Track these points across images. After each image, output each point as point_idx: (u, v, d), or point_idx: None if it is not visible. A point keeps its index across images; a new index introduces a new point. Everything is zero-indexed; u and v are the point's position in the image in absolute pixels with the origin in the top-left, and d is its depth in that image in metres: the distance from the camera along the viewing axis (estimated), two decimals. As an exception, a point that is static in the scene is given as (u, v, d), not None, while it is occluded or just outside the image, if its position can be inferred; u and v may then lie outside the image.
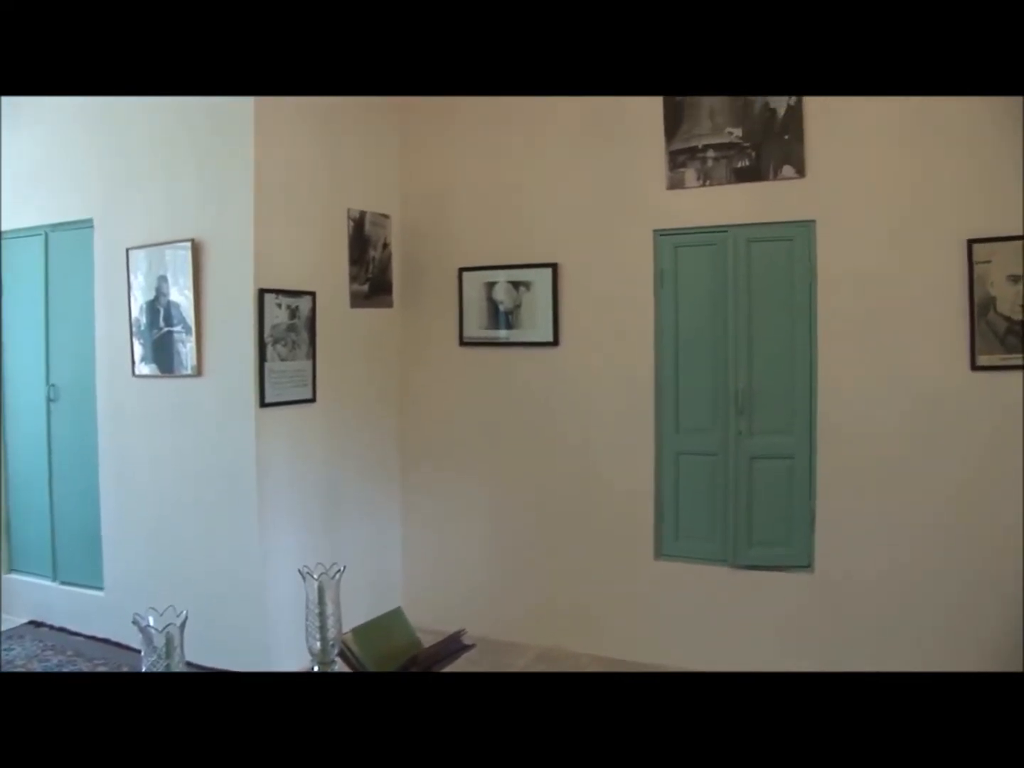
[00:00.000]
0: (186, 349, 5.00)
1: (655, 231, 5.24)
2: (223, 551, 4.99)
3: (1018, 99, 4.45)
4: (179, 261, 4.98)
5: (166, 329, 5.08)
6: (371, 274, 5.65)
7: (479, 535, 5.80)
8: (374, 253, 5.67)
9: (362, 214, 5.55)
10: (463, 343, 5.78)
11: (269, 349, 4.89)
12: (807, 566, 4.98)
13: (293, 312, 5.06)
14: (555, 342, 5.50)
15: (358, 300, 5.57)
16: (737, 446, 5.10)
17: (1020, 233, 4.44)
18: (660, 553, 5.34)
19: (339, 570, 4.32)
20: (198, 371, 4.98)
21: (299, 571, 4.32)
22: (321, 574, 4.47)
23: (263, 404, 4.88)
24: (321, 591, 4.48)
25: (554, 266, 5.47)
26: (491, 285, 5.65)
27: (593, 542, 5.46)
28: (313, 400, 5.24)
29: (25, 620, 5.96)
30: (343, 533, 5.46)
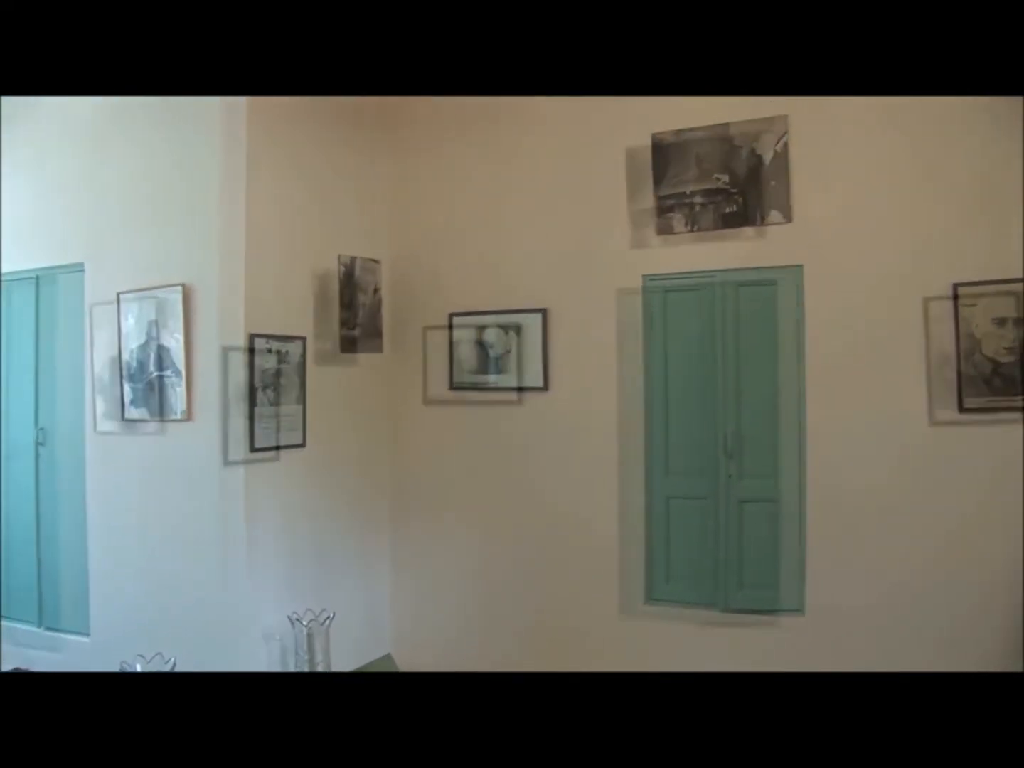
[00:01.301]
0: (176, 393, 5.00)
1: (644, 276, 5.29)
2: (212, 597, 4.94)
3: (1006, 151, 4.54)
4: (170, 305, 4.99)
5: (156, 373, 5.07)
6: (361, 319, 5.67)
7: (468, 580, 5.78)
8: (364, 299, 5.69)
9: (353, 260, 5.58)
10: (453, 388, 5.80)
11: (259, 394, 4.90)
12: (798, 609, 4.97)
13: (283, 357, 5.07)
14: (545, 387, 5.52)
15: (348, 345, 5.58)
16: (727, 490, 5.11)
17: (1004, 277, 4.51)
18: (650, 597, 5.33)
19: (328, 617, 4.31)
20: (188, 415, 4.97)
21: (288, 618, 4.32)
22: (310, 620, 4.46)
23: (253, 449, 4.87)
24: (310, 637, 4.47)
25: (544, 311, 5.50)
26: (481, 330, 5.68)
27: (583, 586, 5.45)
28: (303, 445, 5.23)
29: (9, 668, 5.89)
30: (333, 579, 5.43)
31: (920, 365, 4.71)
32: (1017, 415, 4.52)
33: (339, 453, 5.55)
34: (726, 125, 5.09)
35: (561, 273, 5.51)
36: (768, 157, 5.00)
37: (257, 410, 4.89)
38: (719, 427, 5.13)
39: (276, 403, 5.02)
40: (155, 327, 5.07)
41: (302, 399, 5.21)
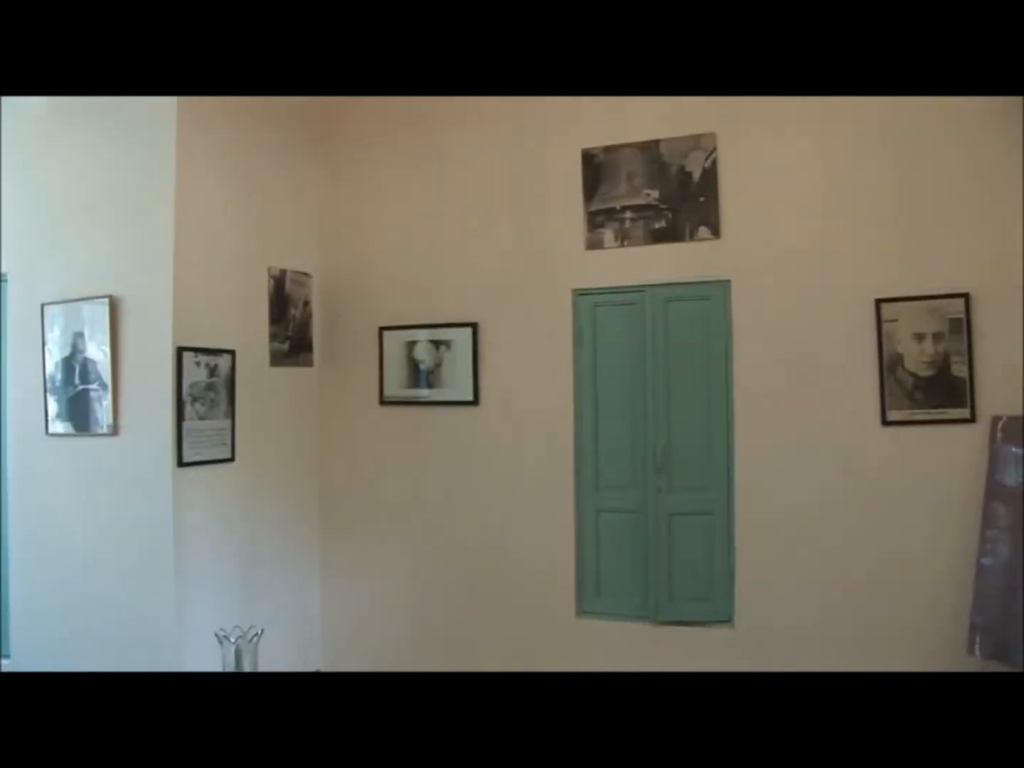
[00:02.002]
0: (102, 407, 4.91)
1: (574, 291, 5.33)
2: (138, 615, 4.86)
3: (927, 170, 4.66)
4: (96, 317, 4.91)
5: (82, 386, 4.99)
6: (291, 332, 5.63)
7: (400, 594, 5.75)
8: (295, 311, 5.66)
9: (283, 272, 5.54)
10: (383, 402, 5.77)
11: (187, 407, 4.83)
12: (728, 620, 5.03)
13: (212, 370, 5.01)
14: (475, 401, 5.52)
15: (278, 359, 5.54)
16: (657, 503, 5.15)
17: (924, 293, 4.62)
18: (581, 610, 5.34)
19: (256, 633, 4.24)
20: (114, 429, 4.89)
21: (216, 635, 4.24)
22: (238, 637, 4.38)
23: (181, 463, 4.81)
24: (238, 654, 4.39)
25: (474, 325, 5.51)
26: (412, 344, 5.67)
27: (515, 599, 5.45)
28: (232, 459, 5.17)
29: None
30: (263, 594, 5.37)
31: (844, 379, 4.81)
32: (939, 427, 4.63)
33: (269, 467, 5.49)
34: (656, 142, 5.15)
35: (492, 287, 5.53)
36: (697, 173, 5.07)
37: (185, 424, 4.82)
38: (649, 441, 5.17)
39: (205, 417, 4.95)
40: (81, 339, 4.99)
41: (231, 413, 5.15)
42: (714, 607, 5.06)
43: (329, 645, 5.92)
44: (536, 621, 5.39)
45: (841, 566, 4.78)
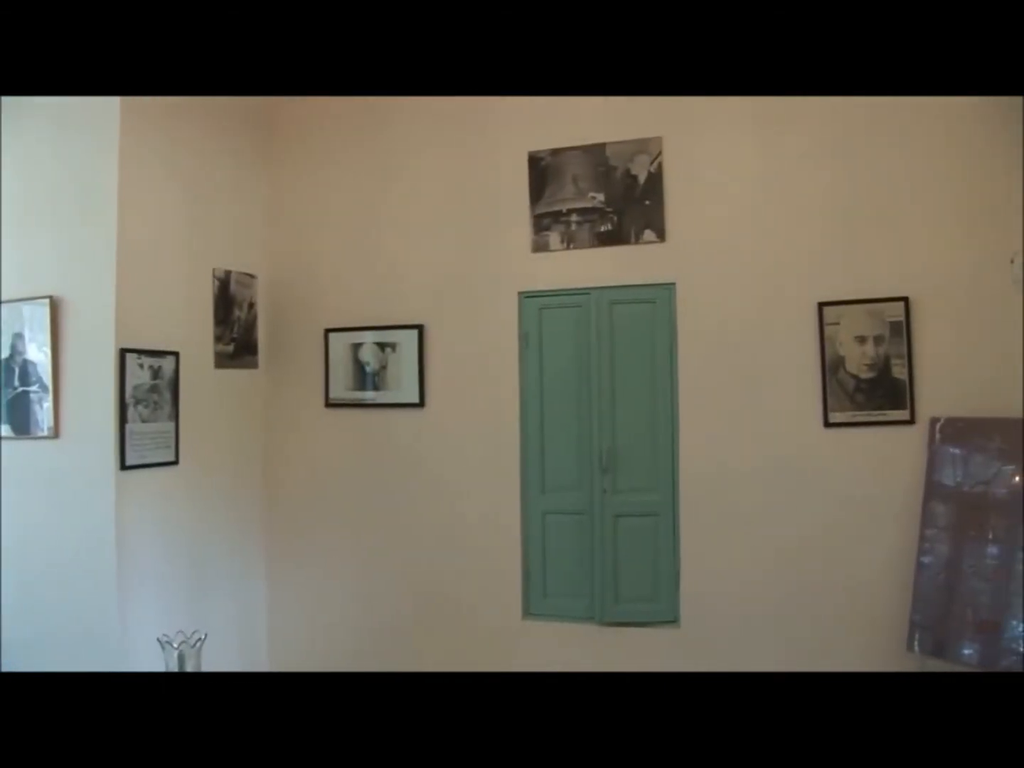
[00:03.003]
0: (43, 409, 4.85)
1: (520, 293, 5.35)
2: (80, 621, 4.79)
3: (868, 176, 4.73)
4: (37, 318, 4.84)
5: (21, 388, 4.91)
6: (236, 334, 5.59)
7: (347, 597, 5.72)
8: (240, 313, 5.62)
9: (228, 273, 5.50)
10: (329, 404, 5.75)
11: (130, 410, 4.78)
12: (673, 621, 5.07)
13: (156, 372, 4.96)
14: (421, 403, 5.52)
15: (223, 361, 5.50)
16: (602, 504, 5.17)
17: (865, 297, 4.70)
18: (528, 612, 5.35)
19: (200, 638, 4.20)
20: (55, 432, 4.82)
21: (158, 640, 4.20)
22: (182, 642, 4.35)
23: (123, 467, 4.75)
24: (181, 660, 4.36)
25: (420, 327, 5.51)
26: (357, 346, 5.65)
27: (462, 601, 5.44)
28: (176, 463, 5.12)
29: None
30: (208, 598, 5.32)
31: (787, 381, 4.87)
32: (879, 429, 4.70)
33: (213, 470, 5.44)
34: (602, 145, 5.18)
35: (438, 289, 5.53)
36: (642, 177, 5.11)
37: (128, 427, 4.77)
38: (594, 443, 5.20)
39: (148, 420, 4.90)
40: (21, 340, 4.92)
41: (175, 415, 5.11)
42: (659, 608, 5.10)
43: (275, 648, 5.88)
44: (483, 623, 5.39)
45: (785, 566, 4.85)
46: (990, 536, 4.27)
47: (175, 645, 4.29)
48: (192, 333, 5.30)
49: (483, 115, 5.41)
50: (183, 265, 5.23)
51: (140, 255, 4.87)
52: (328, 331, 5.74)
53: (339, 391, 5.71)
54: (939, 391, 4.62)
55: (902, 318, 4.67)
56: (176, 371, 5.10)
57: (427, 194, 5.58)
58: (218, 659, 4.94)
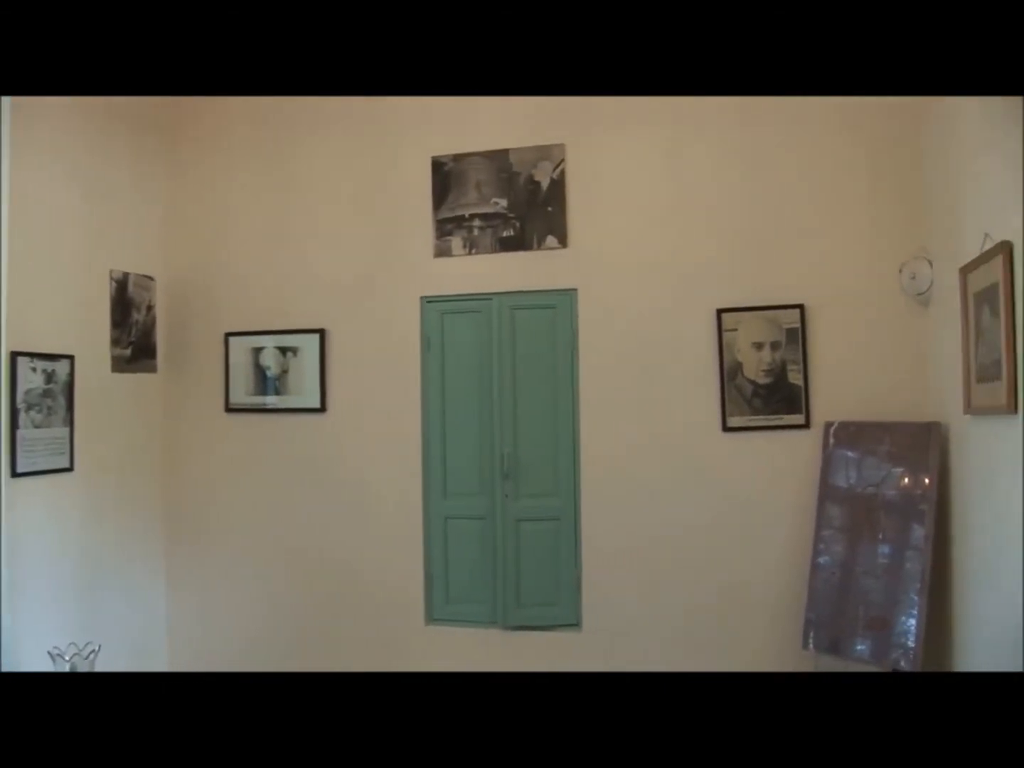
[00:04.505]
0: (-72, 415, 4.71)
1: (422, 298, 5.34)
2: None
3: (765, 185, 4.80)
4: (-79, 322, 4.71)
5: (-98, 394, 4.77)
6: (134, 338, 5.49)
7: (248, 604, 5.65)
8: (137, 316, 5.52)
9: (125, 275, 5.40)
10: (229, 410, 5.68)
11: (22, 415, 4.66)
12: (575, 624, 5.10)
13: (49, 376, 4.85)
14: (323, 408, 5.48)
15: (120, 364, 5.39)
16: (504, 509, 5.19)
17: (762, 304, 4.79)
18: (431, 617, 5.35)
19: (93, 650, 4.10)
20: (-59, 439, 4.69)
21: (49, 653, 4.08)
22: (74, 655, 4.25)
23: (15, 474, 4.62)
24: (74, 671, 4.24)
25: (322, 332, 5.47)
26: (258, 350, 5.59)
27: (364, 607, 5.42)
28: (71, 469, 5.00)
29: None
30: (104, 608, 5.21)
31: (687, 387, 4.94)
32: (776, 433, 4.80)
33: (110, 476, 5.33)
34: (505, 151, 5.20)
35: (340, 294, 5.49)
36: (545, 183, 5.14)
37: (20, 433, 4.64)
38: (496, 448, 5.21)
39: (41, 425, 4.79)
40: (-97, 345, 4.77)
41: (70, 421, 4.99)
42: (561, 611, 5.13)
43: (175, 657, 5.78)
44: (385, 629, 5.37)
45: (684, 568, 4.93)
46: (881, 536, 4.39)
47: (67, 657, 4.20)
48: (88, 336, 5.18)
49: (387, 120, 5.39)
50: (79, 267, 5.11)
51: (33, 256, 4.73)
52: (229, 335, 5.66)
53: (239, 396, 5.64)
54: (833, 396, 4.74)
55: (798, 325, 4.76)
56: (71, 375, 4.99)
57: (330, 198, 5.54)
58: (115, 667, 4.85)
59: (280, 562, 5.59)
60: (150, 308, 5.65)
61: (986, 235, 3.44)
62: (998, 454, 3.47)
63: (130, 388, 5.51)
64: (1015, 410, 3.20)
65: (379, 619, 5.39)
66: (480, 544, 5.26)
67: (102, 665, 4.26)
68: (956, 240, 3.95)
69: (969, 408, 3.77)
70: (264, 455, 5.63)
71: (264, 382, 5.60)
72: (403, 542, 5.35)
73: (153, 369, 5.69)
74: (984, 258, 3.46)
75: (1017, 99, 3.07)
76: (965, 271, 3.73)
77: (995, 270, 3.32)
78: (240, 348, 5.63)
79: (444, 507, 5.32)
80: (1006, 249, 3.22)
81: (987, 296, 3.44)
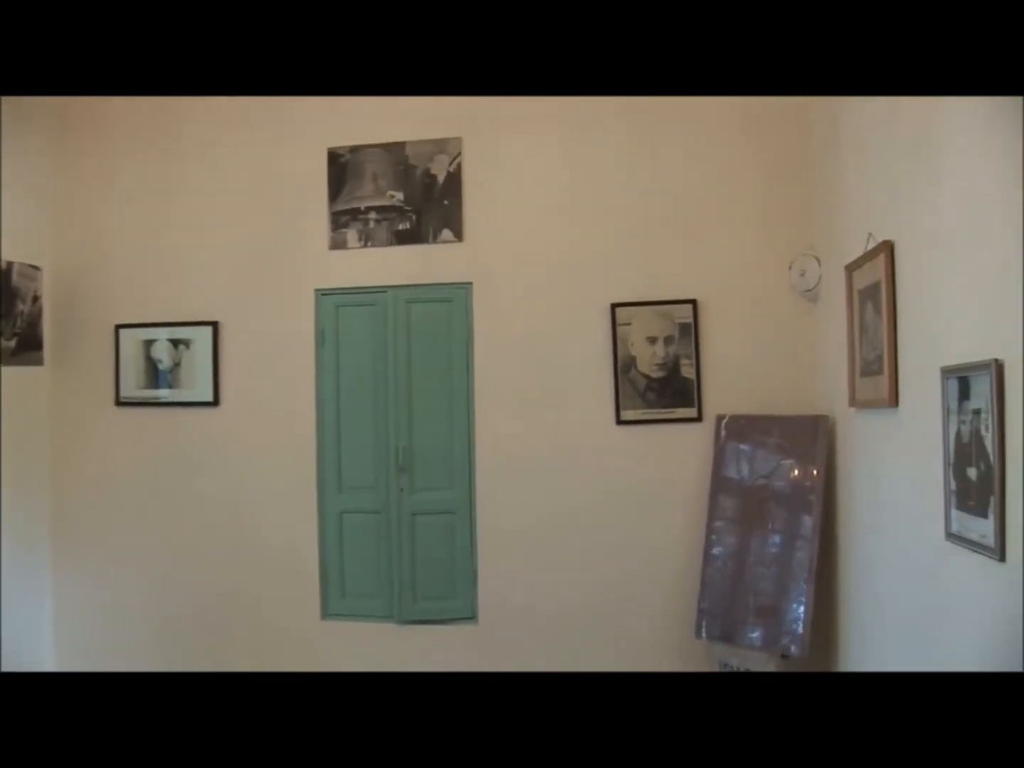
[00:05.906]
0: None
1: (316, 290, 5.30)
2: None
3: (664, 182, 4.86)
4: None
5: None
6: (19, 329, 5.33)
7: (140, 601, 5.53)
8: (23, 306, 5.36)
9: (10, 264, 5.24)
10: (120, 403, 5.55)
11: (-103, 409, 4.52)
12: (471, 618, 5.13)
13: (-72, 370, 4.71)
14: (216, 402, 5.40)
15: (5, 356, 5.22)
16: (399, 503, 5.18)
17: (656, 299, 4.86)
18: (327, 612, 5.32)
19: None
20: None
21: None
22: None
23: None
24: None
25: (215, 324, 5.39)
26: (150, 343, 5.48)
27: (259, 603, 5.36)
28: (-50, 465, 4.87)
29: None
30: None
31: (582, 380, 5.00)
32: (669, 426, 4.89)
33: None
34: (402, 144, 5.18)
35: (234, 286, 5.42)
36: (441, 177, 5.14)
37: None
38: (391, 441, 5.20)
39: (-80, 419, 4.65)
40: None
41: (-51, 415, 4.85)
42: (458, 605, 5.15)
43: (63, 656, 5.64)
44: (281, 624, 5.32)
45: (580, 560, 4.99)
46: (771, 527, 4.50)
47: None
48: (-30, 328, 5.03)
49: (283, 111, 5.31)
50: (-41, 255, 4.95)
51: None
52: (119, 327, 5.54)
53: (130, 389, 5.53)
54: (725, 390, 4.85)
55: (691, 319, 4.85)
56: (-49, 368, 4.84)
57: (223, 189, 5.46)
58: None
59: (172, 559, 5.49)
60: (36, 298, 5.49)
61: (869, 235, 3.53)
62: (881, 446, 3.58)
63: (15, 381, 5.33)
64: (895, 404, 3.29)
65: (274, 615, 5.33)
66: (376, 538, 5.25)
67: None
68: (842, 239, 4.06)
69: (854, 402, 3.87)
70: (156, 449, 5.52)
71: (156, 375, 5.49)
72: (298, 537, 5.31)
73: (40, 361, 5.53)
74: (867, 257, 3.55)
75: (896, 100, 3.16)
76: (850, 269, 3.84)
77: (878, 268, 3.42)
78: (131, 340, 5.52)
79: (339, 501, 5.29)
80: (888, 248, 3.32)
81: (870, 293, 3.54)
